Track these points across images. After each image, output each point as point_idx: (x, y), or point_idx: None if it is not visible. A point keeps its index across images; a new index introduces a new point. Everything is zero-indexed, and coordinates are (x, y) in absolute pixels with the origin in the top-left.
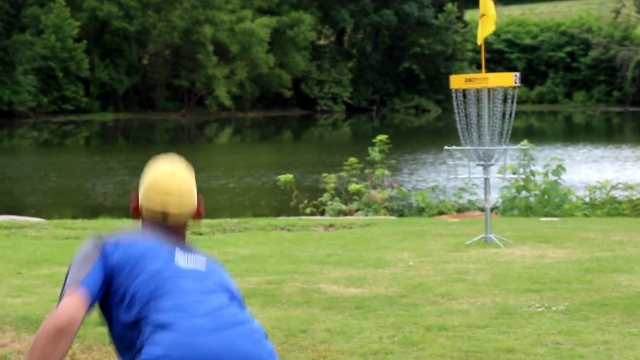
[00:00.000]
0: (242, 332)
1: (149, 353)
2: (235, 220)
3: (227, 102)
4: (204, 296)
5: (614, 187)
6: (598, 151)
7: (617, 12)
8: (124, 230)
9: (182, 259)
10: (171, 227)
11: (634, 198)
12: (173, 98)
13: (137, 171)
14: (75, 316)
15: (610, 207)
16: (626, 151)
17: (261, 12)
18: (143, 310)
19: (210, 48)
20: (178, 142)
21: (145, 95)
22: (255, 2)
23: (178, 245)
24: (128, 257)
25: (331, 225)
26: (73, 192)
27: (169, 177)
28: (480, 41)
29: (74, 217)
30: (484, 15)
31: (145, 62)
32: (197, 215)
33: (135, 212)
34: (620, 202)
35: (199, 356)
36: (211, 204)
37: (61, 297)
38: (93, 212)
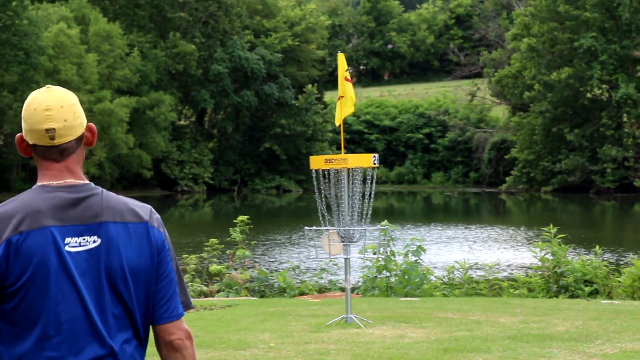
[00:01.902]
0: None
1: None
2: None
3: None
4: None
5: (471, 267)
6: (456, 231)
7: (473, 95)
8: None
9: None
10: (62, 157)
11: (492, 277)
12: (30, 179)
13: None
14: None
15: (468, 287)
16: (484, 231)
17: (120, 92)
18: None
19: None
20: None
21: (0, 176)
22: (114, 82)
23: (72, 191)
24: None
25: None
26: None
27: (45, 93)
28: (338, 122)
29: None
30: (342, 97)
31: (0, 142)
32: (87, 140)
33: (22, 149)
34: (478, 282)
35: None
36: None
37: None
38: None
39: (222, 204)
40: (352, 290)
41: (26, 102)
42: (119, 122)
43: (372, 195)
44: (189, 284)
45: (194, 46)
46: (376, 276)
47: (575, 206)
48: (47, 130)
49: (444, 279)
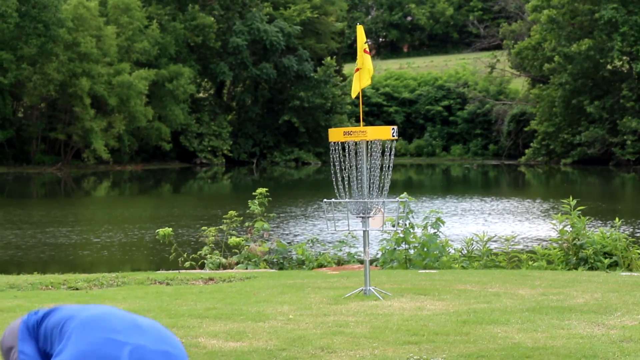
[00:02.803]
0: None
1: None
2: (113, 275)
3: (105, 155)
4: None
5: (490, 239)
6: (474, 203)
7: (492, 67)
8: None
9: None
10: None
11: (510, 250)
12: (49, 151)
13: (13, 225)
14: None
15: (487, 259)
16: (502, 204)
17: (139, 65)
18: None
19: (88, 101)
20: (54, 195)
21: (20, 148)
22: (133, 55)
23: None
24: None
25: (211, 279)
26: None
27: None
28: (355, 94)
29: None
30: (359, 69)
31: (20, 115)
32: None
33: None
34: (497, 254)
35: None
36: (89, 259)
37: None
38: None
39: (240, 176)
40: (371, 262)
41: None
42: (138, 95)
43: (391, 168)
44: (208, 256)
45: (212, 18)
46: (395, 248)
47: (595, 178)
48: None
49: (462, 252)
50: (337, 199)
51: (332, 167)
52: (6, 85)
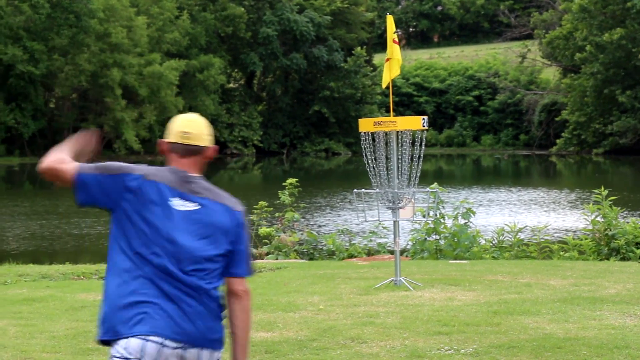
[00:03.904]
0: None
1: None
2: None
3: (136, 146)
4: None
5: (521, 230)
6: (506, 194)
7: (523, 57)
8: (150, 168)
9: (179, 203)
10: (188, 159)
11: (541, 240)
12: None
13: (44, 215)
14: (55, 166)
15: (518, 250)
16: (533, 194)
17: (170, 55)
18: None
19: (119, 91)
20: None
21: (52, 139)
22: (164, 45)
23: (188, 180)
24: (141, 190)
25: None
26: None
27: (188, 119)
28: (385, 84)
29: None
30: (389, 59)
31: (51, 105)
32: (208, 155)
33: (161, 149)
34: (527, 245)
35: None
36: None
37: (62, 150)
38: None
39: (271, 166)
40: (401, 253)
41: (174, 121)
42: (168, 85)
43: (421, 158)
44: None
45: (243, 9)
46: (425, 239)
47: (627, 168)
48: (182, 143)
49: (493, 242)
50: (371, 189)
51: (364, 158)
52: (38, 76)
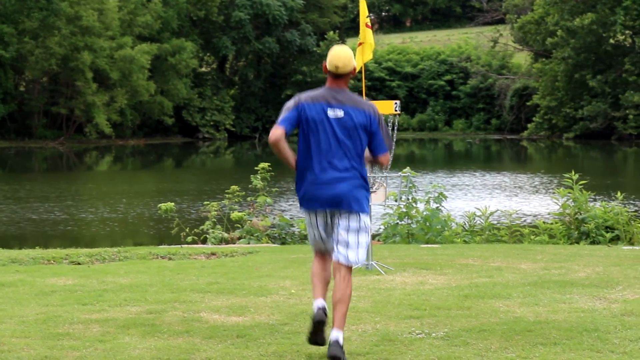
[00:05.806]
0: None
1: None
2: (115, 249)
3: (107, 130)
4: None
5: (492, 214)
6: (477, 178)
7: (495, 42)
8: (308, 92)
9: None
10: (339, 77)
11: (512, 224)
12: (51, 126)
13: (16, 200)
14: (276, 135)
15: (489, 233)
16: (504, 178)
17: (141, 39)
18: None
19: (90, 75)
20: (56, 170)
21: (22, 122)
22: (136, 29)
23: (338, 92)
24: (306, 111)
25: (213, 254)
26: None
27: (337, 56)
28: (357, 69)
29: None
30: (362, 43)
31: (22, 89)
32: (352, 73)
33: (325, 70)
34: (499, 229)
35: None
36: (91, 233)
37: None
38: None
39: (243, 151)
40: (373, 237)
41: (331, 52)
42: (140, 69)
43: (394, 142)
44: (210, 230)
45: None
46: (397, 223)
47: (597, 153)
48: (336, 67)
49: (464, 226)
50: None
51: None
52: (7, 59)
